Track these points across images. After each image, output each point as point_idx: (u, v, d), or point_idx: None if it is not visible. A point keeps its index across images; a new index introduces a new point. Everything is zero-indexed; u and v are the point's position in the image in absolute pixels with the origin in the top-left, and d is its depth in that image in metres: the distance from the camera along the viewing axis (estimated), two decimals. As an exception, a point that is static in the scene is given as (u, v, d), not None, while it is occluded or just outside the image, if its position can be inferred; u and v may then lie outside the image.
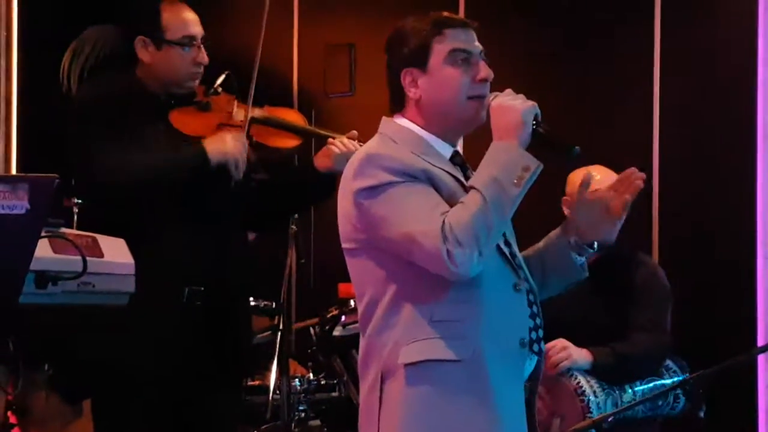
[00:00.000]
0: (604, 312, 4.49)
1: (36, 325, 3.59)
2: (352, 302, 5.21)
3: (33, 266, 2.88)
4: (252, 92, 3.96)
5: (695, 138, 5.60)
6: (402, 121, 2.97)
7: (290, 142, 4.04)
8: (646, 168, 5.61)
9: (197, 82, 3.97)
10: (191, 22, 3.94)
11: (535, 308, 2.94)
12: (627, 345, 4.39)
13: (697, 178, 5.59)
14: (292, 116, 4.13)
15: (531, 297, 2.95)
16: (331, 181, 4.02)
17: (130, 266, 3.32)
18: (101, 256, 3.23)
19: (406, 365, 2.82)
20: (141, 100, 3.90)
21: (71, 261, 3.08)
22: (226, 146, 3.80)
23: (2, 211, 2.65)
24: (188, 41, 3.91)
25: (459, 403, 2.82)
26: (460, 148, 3.03)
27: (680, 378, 4.44)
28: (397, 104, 2.99)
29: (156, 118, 3.89)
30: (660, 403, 4.36)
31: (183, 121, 3.90)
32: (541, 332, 2.94)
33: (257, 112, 3.99)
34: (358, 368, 2.99)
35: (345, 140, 4.01)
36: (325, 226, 6.61)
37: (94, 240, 3.24)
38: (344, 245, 2.94)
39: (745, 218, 5.40)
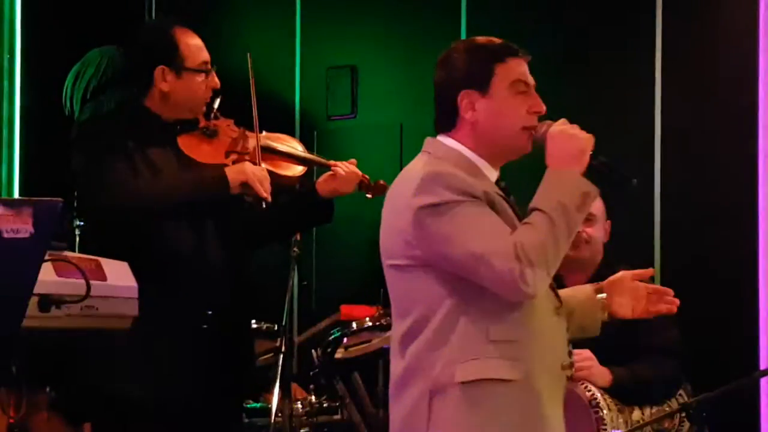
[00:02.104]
0: (613, 333, 4.48)
1: (39, 348, 3.59)
2: (354, 324, 5.22)
3: (36, 289, 2.88)
4: (257, 122, 3.97)
5: (696, 159, 5.60)
6: (450, 142, 2.98)
7: (298, 170, 4.06)
8: (648, 187, 5.62)
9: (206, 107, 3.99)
10: (203, 47, 3.97)
11: (568, 334, 3.01)
12: (647, 369, 4.38)
13: (699, 198, 5.59)
14: (293, 143, 4.15)
15: (565, 322, 3.01)
16: (330, 204, 4.05)
17: (134, 289, 3.32)
18: (104, 279, 3.23)
19: (462, 383, 2.84)
20: (147, 126, 3.90)
21: (75, 284, 3.09)
22: (245, 169, 3.81)
23: (6, 235, 2.65)
24: (204, 67, 3.93)
25: (513, 423, 2.85)
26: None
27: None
28: (447, 124, 2.99)
29: (163, 143, 3.89)
30: (666, 425, 4.35)
31: (193, 147, 3.92)
32: (572, 357, 3.01)
33: (263, 141, 4.00)
34: (391, 386, 2.97)
35: (348, 164, 4.04)
36: (328, 249, 6.64)
37: (98, 263, 3.25)
38: (391, 261, 2.94)
39: (747, 240, 5.40)
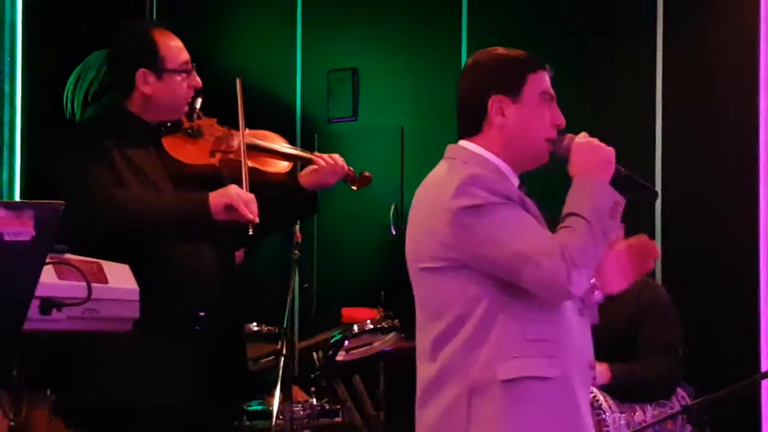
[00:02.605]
0: (611, 331, 4.49)
1: (40, 351, 3.59)
2: (355, 327, 5.22)
3: (38, 292, 2.87)
4: (242, 121, 3.96)
5: (697, 161, 5.61)
6: (474, 147, 3.04)
7: (282, 166, 4.04)
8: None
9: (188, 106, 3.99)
10: (182, 47, 3.96)
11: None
12: (645, 367, 4.40)
13: (700, 200, 5.59)
14: (277, 139, 4.13)
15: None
16: (313, 197, 4.04)
17: (135, 292, 3.32)
18: (106, 282, 3.23)
19: (504, 381, 2.89)
20: (128, 127, 3.89)
21: (76, 287, 3.08)
22: (230, 193, 3.76)
23: (7, 238, 2.64)
24: (185, 67, 3.93)
25: (553, 421, 2.92)
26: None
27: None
28: (473, 128, 3.05)
29: (146, 144, 3.89)
30: (668, 427, 4.35)
31: (178, 148, 3.90)
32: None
33: (247, 138, 3.98)
34: (422, 389, 3.02)
35: (331, 157, 4.03)
36: (329, 251, 6.65)
37: (99, 266, 3.24)
38: (424, 264, 2.99)
39: (748, 242, 5.40)
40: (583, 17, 5.92)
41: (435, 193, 2.98)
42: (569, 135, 3.03)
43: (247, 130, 4.02)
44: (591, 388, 4.25)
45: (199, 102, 3.99)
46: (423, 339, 3.03)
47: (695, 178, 5.59)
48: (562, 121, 3.04)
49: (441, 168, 3.05)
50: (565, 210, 2.93)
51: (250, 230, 3.74)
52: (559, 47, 5.89)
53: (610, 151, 3.00)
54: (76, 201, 3.71)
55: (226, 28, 6.92)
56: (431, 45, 6.43)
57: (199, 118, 3.99)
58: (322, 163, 4.01)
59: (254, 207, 3.75)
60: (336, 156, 4.07)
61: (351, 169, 4.10)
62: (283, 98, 6.77)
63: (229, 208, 3.74)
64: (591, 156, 2.98)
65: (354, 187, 4.15)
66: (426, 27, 6.46)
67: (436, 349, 2.97)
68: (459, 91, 3.09)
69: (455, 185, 2.92)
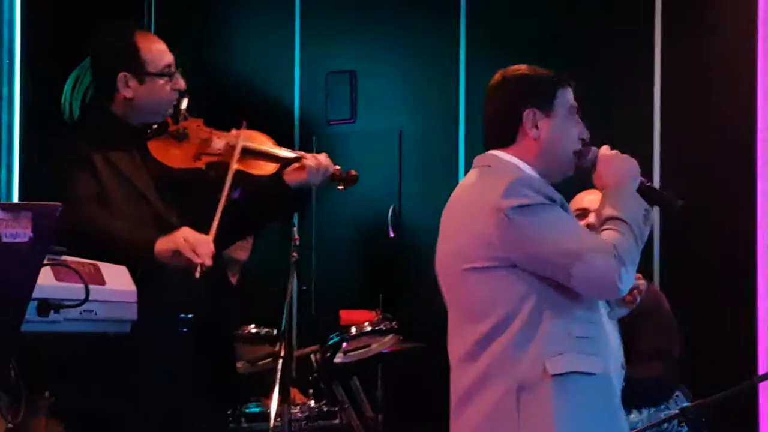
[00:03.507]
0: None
1: (38, 353, 3.59)
2: (353, 329, 5.22)
3: (35, 294, 2.88)
4: (239, 149, 3.94)
5: (695, 163, 5.61)
6: (507, 157, 3.16)
7: (270, 168, 4.02)
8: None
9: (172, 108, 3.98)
10: (165, 50, 3.95)
11: None
12: (640, 371, 4.39)
13: (698, 202, 5.59)
14: (264, 140, 4.11)
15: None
16: (300, 194, 4.01)
17: (132, 294, 3.32)
18: (103, 283, 3.23)
19: (554, 376, 2.99)
20: (113, 131, 3.89)
21: (73, 289, 3.08)
22: (176, 239, 3.66)
23: (5, 240, 2.65)
24: (168, 70, 3.93)
25: (598, 413, 3.03)
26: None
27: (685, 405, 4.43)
28: (507, 139, 3.17)
29: (130, 147, 3.88)
30: (666, 426, 4.35)
31: (163, 151, 3.89)
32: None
33: (234, 140, 3.96)
34: (463, 390, 3.09)
35: (316, 156, 4.01)
36: (327, 253, 6.65)
37: (96, 267, 3.24)
38: (470, 265, 3.07)
39: (746, 244, 5.40)
40: (580, 19, 5.92)
41: (479, 196, 3.09)
42: (593, 147, 3.16)
43: (233, 131, 4.01)
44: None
45: (185, 103, 3.99)
46: (461, 341, 3.11)
47: (693, 181, 5.59)
48: (587, 134, 3.17)
49: (474, 175, 3.17)
50: (604, 214, 3.05)
51: (197, 273, 3.65)
52: (557, 49, 5.88)
53: (635, 162, 3.13)
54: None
55: (225, 30, 6.92)
56: (429, 48, 6.43)
57: (185, 119, 3.99)
58: (309, 162, 3.99)
59: (205, 249, 3.65)
60: (322, 155, 4.04)
61: (338, 168, 4.07)
62: (281, 100, 6.77)
63: (177, 253, 3.67)
64: (619, 167, 3.13)
65: (340, 187, 4.09)
66: (424, 30, 6.47)
67: (479, 350, 3.06)
68: (490, 105, 3.22)
69: (503, 186, 3.03)
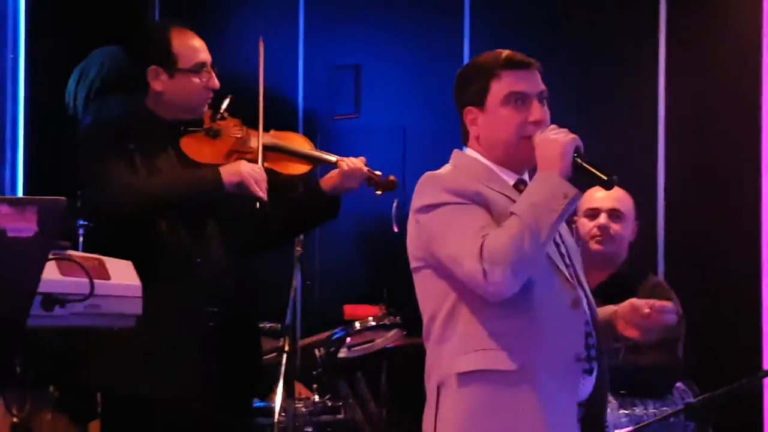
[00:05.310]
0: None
1: (43, 347, 3.60)
2: (357, 324, 5.22)
3: (40, 288, 2.88)
4: (262, 122, 3.97)
5: (700, 160, 5.61)
6: (469, 152, 3.15)
7: (302, 168, 4.05)
8: (651, 188, 5.62)
9: (207, 106, 4.00)
10: (200, 48, 3.97)
11: (589, 328, 3.06)
12: (639, 356, 4.39)
13: (703, 198, 5.59)
14: (300, 141, 4.14)
15: (589, 316, 3.07)
16: (336, 201, 4.04)
17: (137, 288, 3.32)
18: (108, 278, 3.23)
19: (460, 374, 2.97)
20: (150, 127, 3.91)
21: (78, 283, 3.09)
22: (240, 169, 3.81)
23: (10, 234, 2.65)
24: (199, 68, 3.93)
25: (507, 413, 2.95)
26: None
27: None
28: (465, 138, 3.17)
29: (166, 144, 3.91)
30: (672, 420, 4.35)
31: (194, 148, 3.92)
32: (594, 352, 3.05)
33: (267, 139, 4.00)
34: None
35: (353, 160, 4.04)
36: (331, 248, 6.65)
37: (101, 262, 3.25)
38: (411, 265, 3.09)
39: (751, 240, 5.40)
40: (585, 16, 5.92)
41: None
42: (538, 133, 3.04)
43: (271, 132, 4.04)
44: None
45: (226, 102, 4.01)
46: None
47: (698, 180, 5.59)
48: (535, 116, 3.05)
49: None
50: (510, 209, 2.97)
51: (258, 205, 3.80)
52: (562, 46, 5.88)
53: (565, 142, 2.98)
54: (94, 193, 3.75)
55: (229, 24, 6.92)
56: (434, 43, 6.43)
57: (222, 118, 4.00)
58: (345, 167, 4.02)
59: (264, 184, 3.81)
60: (358, 159, 4.07)
61: (378, 173, 4.11)
62: (285, 95, 6.77)
63: (240, 184, 3.79)
64: (544, 151, 2.99)
65: (378, 192, 4.15)
66: (429, 25, 6.46)
67: (425, 344, 3.09)
68: None
69: (417, 186, 3.05)
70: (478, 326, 2.97)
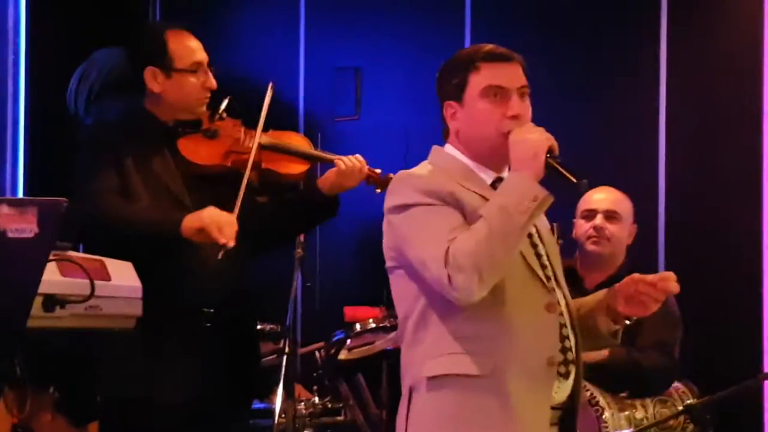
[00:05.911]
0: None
1: (43, 348, 3.59)
2: (357, 326, 5.22)
3: (41, 289, 2.88)
4: (262, 122, 3.97)
5: (701, 160, 5.61)
6: (448, 149, 3.07)
7: (299, 168, 4.05)
8: (652, 188, 5.62)
9: (205, 107, 3.99)
10: (196, 48, 3.97)
11: (566, 331, 2.98)
12: (646, 360, 4.39)
13: (703, 199, 5.59)
14: (298, 140, 4.14)
15: (565, 319, 2.98)
16: (334, 200, 4.04)
17: (138, 289, 3.33)
18: (109, 279, 3.24)
19: (429, 378, 2.91)
20: (149, 128, 3.91)
21: (79, 284, 3.09)
22: (202, 215, 3.72)
23: (11, 235, 2.65)
24: (197, 68, 3.94)
25: (476, 418, 2.89)
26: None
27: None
28: (445, 134, 3.10)
29: (164, 146, 3.90)
30: (671, 422, 4.35)
31: (192, 149, 3.92)
32: (570, 355, 2.97)
33: (264, 138, 3.99)
34: None
35: (351, 158, 4.03)
36: (332, 250, 6.64)
37: (102, 263, 3.25)
38: (386, 264, 3.04)
39: (752, 241, 5.40)
40: (586, 17, 5.92)
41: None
42: (514, 130, 2.94)
43: (270, 131, 4.03)
44: (588, 387, 4.28)
45: (224, 103, 4.00)
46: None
47: (699, 179, 5.59)
48: (513, 111, 2.96)
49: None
50: (479, 211, 2.89)
51: (220, 255, 3.70)
52: (563, 47, 5.88)
53: (537, 142, 2.88)
54: (77, 199, 3.73)
55: (230, 26, 6.92)
56: (436, 44, 6.42)
57: (221, 119, 3.99)
58: (342, 165, 4.01)
59: (229, 230, 3.71)
60: (357, 157, 4.06)
61: (376, 171, 4.10)
62: (286, 96, 6.77)
63: (201, 231, 3.71)
64: (516, 152, 2.91)
65: (378, 190, 4.14)
66: (430, 26, 6.46)
67: (401, 346, 3.04)
68: None
69: (390, 186, 3.00)
70: (450, 329, 2.90)
